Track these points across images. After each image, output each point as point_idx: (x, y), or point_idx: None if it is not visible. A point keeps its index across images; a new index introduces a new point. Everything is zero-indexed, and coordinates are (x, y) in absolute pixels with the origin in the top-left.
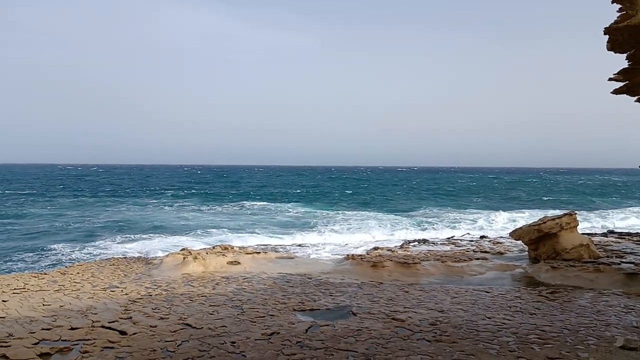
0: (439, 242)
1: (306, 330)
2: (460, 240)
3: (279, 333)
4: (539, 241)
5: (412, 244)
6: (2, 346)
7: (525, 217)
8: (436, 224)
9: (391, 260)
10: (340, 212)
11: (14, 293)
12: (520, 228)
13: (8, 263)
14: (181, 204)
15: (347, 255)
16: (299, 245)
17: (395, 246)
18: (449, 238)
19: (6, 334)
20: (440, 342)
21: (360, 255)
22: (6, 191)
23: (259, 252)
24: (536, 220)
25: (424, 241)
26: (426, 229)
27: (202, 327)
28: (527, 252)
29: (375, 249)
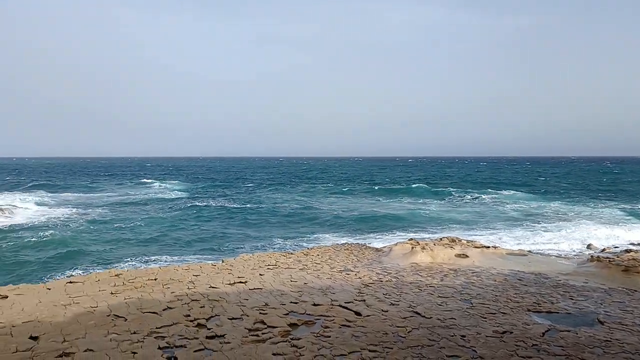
0: None
1: (543, 334)
2: None
3: (512, 333)
4: None
5: None
6: (261, 313)
7: None
8: None
9: None
10: (574, 206)
11: (268, 268)
12: None
13: (263, 242)
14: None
15: (591, 256)
16: (531, 242)
17: None
18: None
19: (263, 303)
20: None
21: (607, 258)
22: (256, 181)
23: (488, 247)
24: None
25: None
26: None
27: (431, 317)
28: None
29: (628, 251)
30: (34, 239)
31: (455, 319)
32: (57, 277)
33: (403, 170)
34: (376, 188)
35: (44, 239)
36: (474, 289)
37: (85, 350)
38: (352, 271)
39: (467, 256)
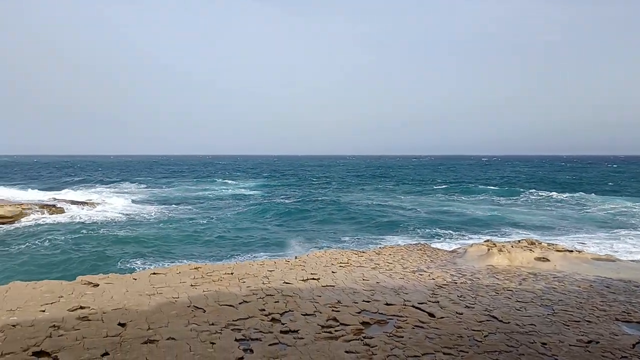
0: None
1: (633, 345)
2: None
3: (599, 343)
4: None
5: None
6: (334, 310)
7: None
8: None
9: None
10: None
11: (340, 266)
12: None
13: (334, 240)
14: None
15: None
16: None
17: None
18: None
19: (336, 300)
20: None
21: None
22: (335, 181)
23: (572, 251)
24: None
25: None
26: None
27: (509, 322)
28: None
29: None
30: (120, 231)
31: (535, 325)
32: (142, 269)
33: (474, 169)
34: (443, 187)
35: (130, 232)
36: (556, 294)
37: (167, 339)
38: (425, 272)
39: (547, 260)
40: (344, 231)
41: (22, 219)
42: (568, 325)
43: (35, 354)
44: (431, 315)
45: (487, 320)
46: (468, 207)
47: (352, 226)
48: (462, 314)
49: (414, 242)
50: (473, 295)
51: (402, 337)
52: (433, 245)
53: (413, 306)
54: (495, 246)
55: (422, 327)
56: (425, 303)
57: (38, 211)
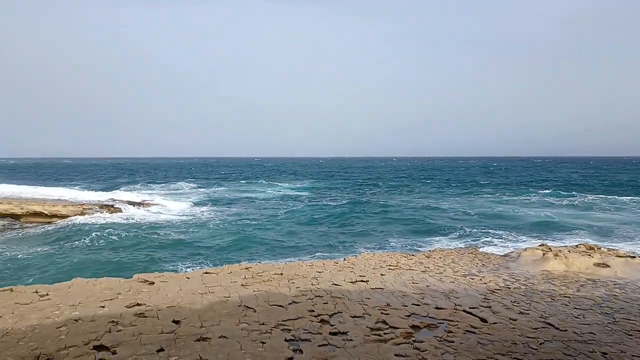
0: None
1: None
2: None
3: None
4: None
5: None
6: (383, 313)
7: None
8: None
9: None
10: None
11: (389, 269)
12: None
13: (382, 242)
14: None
15: None
16: None
17: None
18: None
19: (385, 303)
20: None
21: None
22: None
23: (634, 257)
24: None
25: None
26: None
27: (566, 330)
28: None
29: None
30: (174, 231)
31: (594, 333)
32: (195, 268)
33: (525, 170)
34: (492, 189)
35: (183, 232)
36: (617, 302)
37: (219, 337)
38: (476, 276)
39: (607, 266)
40: (392, 233)
41: (82, 218)
42: (631, 335)
43: (95, 347)
44: (483, 320)
45: (543, 327)
46: (520, 209)
47: (400, 228)
48: (516, 320)
49: (465, 246)
50: (527, 301)
51: (453, 342)
52: (484, 249)
53: (464, 311)
54: (551, 250)
55: (473, 332)
56: (477, 308)
57: (97, 211)
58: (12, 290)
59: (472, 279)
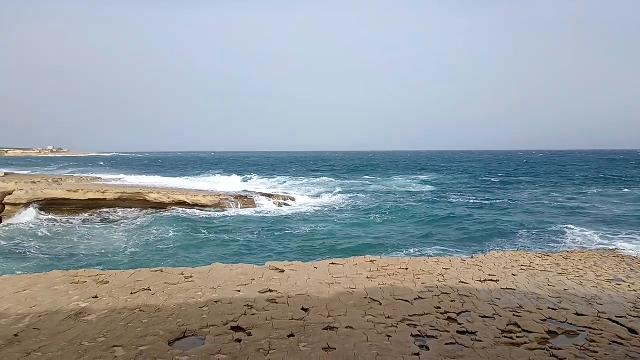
0: None
1: None
2: None
3: None
4: None
5: None
6: (515, 315)
7: None
8: None
9: None
10: None
11: (521, 269)
12: None
13: (509, 239)
14: None
15: None
16: None
17: None
18: None
19: (517, 305)
20: None
21: None
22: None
23: None
24: None
25: None
26: None
27: None
28: None
29: None
30: (303, 222)
31: None
32: (322, 258)
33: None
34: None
35: (313, 223)
36: None
37: (346, 327)
38: (624, 282)
39: None
40: (518, 230)
41: (219, 209)
42: None
43: (233, 328)
44: (632, 331)
45: None
46: None
47: (526, 225)
48: None
49: (611, 248)
50: None
51: (597, 352)
52: (626, 252)
53: (609, 319)
54: None
55: (621, 343)
56: (625, 317)
57: (233, 202)
58: (162, 271)
59: (619, 284)
